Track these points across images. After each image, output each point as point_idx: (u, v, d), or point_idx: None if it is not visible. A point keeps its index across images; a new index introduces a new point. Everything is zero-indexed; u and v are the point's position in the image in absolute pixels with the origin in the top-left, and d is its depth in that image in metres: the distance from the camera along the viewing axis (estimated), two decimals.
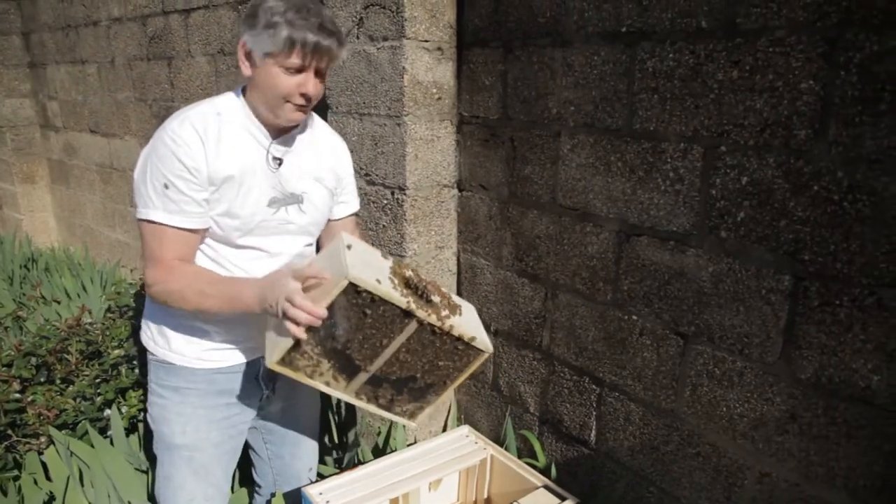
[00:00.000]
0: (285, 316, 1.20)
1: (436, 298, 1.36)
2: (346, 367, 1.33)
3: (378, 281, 1.24)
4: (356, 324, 1.26)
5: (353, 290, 1.21)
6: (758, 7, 1.34)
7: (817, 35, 1.26)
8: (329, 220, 1.64)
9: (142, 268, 1.51)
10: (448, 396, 1.46)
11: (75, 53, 4.55)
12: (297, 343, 1.25)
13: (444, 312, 1.34)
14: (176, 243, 1.36)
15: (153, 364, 1.57)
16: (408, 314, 1.28)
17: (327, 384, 1.34)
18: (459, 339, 1.37)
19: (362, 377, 1.36)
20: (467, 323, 1.41)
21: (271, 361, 1.27)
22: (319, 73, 1.36)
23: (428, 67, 2.02)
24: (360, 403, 1.41)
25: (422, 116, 2.04)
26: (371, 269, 1.27)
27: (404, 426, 2.24)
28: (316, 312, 1.18)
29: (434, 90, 2.06)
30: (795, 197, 1.33)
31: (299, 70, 1.32)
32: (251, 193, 1.41)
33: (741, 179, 1.42)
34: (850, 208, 1.25)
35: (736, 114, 1.41)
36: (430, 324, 1.32)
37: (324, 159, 1.55)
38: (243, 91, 1.45)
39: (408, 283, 1.32)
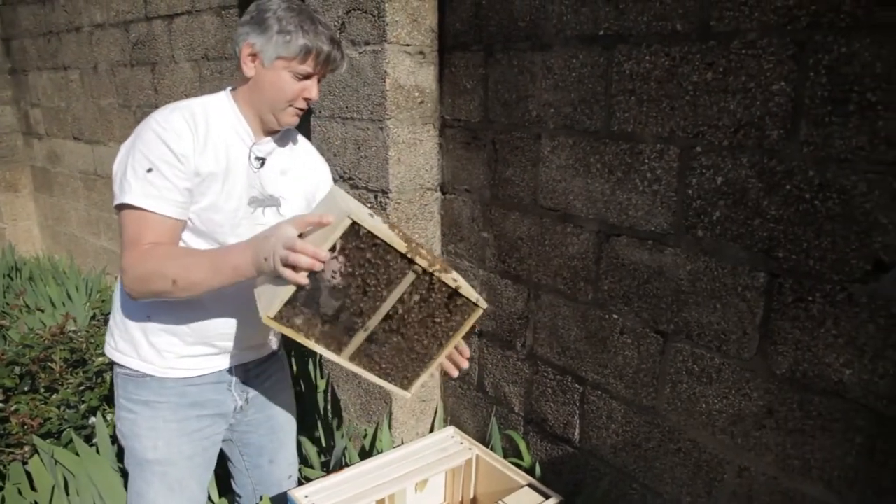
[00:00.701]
0: (285, 264, 1.12)
1: (428, 258, 1.33)
2: (344, 326, 1.28)
3: (377, 220, 1.24)
4: (356, 271, 1.21)
5: (355, 232, 1.16)
6: (730, 10, 1.37)
7: (788, 38, 1.29)
8: None
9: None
10: (438, 364, 1.42)
11: (57, 60, 4.53)
12: (295, 296, 1.18)
13: (439, 266, 1.32)
14: (155, 230, 1.31)
15: (121, 378, 1.52)
16: (409, 261, 1.24)
17: (326, 346, 1.28)
18: (456, 292, 1.34)
19: (360, 337, 1.31)
20: (457, 277, 1.39)
21: (268, 315, 1.18)
22: (319, 81, 1.44)
23: (410, 71, 2.04)
24: (356, 369, 1.36)
25: (404, 120, 2.06)
26: (367, 213, 1.27)
27: (389, 428, 2.26)
28: (318, 254, 1.11)
29: (416, 94, 2.07)
30: (769, 196, 1.36)
31: (307, 76, 1.39)
32: (235, 189, 1.42)
33: (716, 179, 1.45)
34: (822, 206, 1.28)
35: (710, 115, 1.43)
36: (429, 274, 1.28)
37: (302, 167, 1.58)
38: (232, 91, 1.47)
39: (404, 237, 1.29)
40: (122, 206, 1.32)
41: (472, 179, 2.10)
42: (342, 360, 1.32)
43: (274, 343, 1.69)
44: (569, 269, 1.84)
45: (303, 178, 1.58)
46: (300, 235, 1.17)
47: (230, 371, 1.56)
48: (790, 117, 1.30)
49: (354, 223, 1.15)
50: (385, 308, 1.29)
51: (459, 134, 2.11)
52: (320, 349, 1.28)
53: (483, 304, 1.38)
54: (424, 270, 1.27)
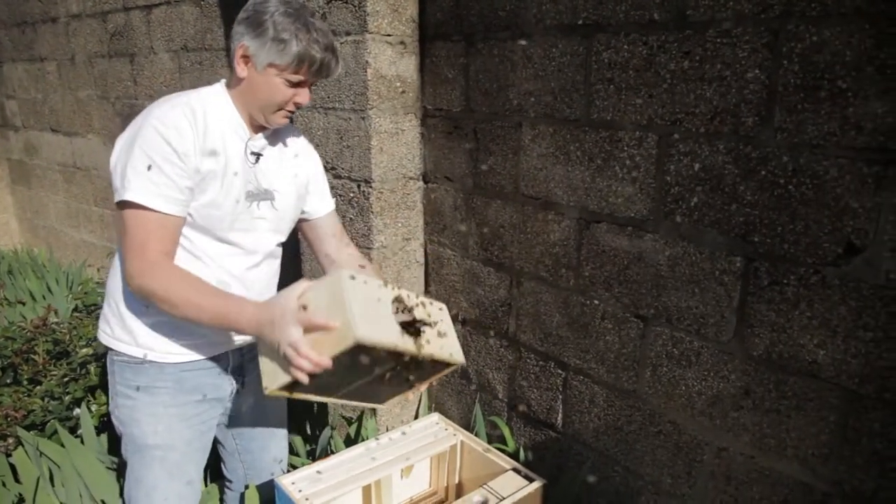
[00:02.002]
0: (288, 360, 1.21)
1: (420, 311, 1.37)
2: (333, 386, 1.35)
3: (382, 323, 1.25)
4: (355, 365, 1.27)
5: (359, 346, 1.20)
6: None
7: (762, 26, 1.31)
8: (310, 220, 1.66)
9: (117, 257, 1.47)
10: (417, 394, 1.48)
11: (33, 51, 4.47)
12: (294, 382, 1.26)
13: (431, 334, 1.35)
14: (157, 230, 1.33)
15: (118, 365, 1.53)
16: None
17: (314, 395, 1.37)
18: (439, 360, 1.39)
19: (344, 390, 1.38)
20: (446, 331, 1.43)
21: (269, 390, 1.29)
22: (311, 86, 1.44)
23: (391, 61, 2.05)
24: (333, 401, 1.43)
25: (386, 110, 2.07)
26: (372, 308, 1.25)
27: (374, 415, 2.27)
28: (321, 363, 1.17)
29: (398, 84, 2.08)
30: (745, 181, 1.39)
31: (299, 83, 1.39)
32: (234, 185, 1.43)
33: (694, 166, 1.47)
34: (795, 191, 1.31)
35: (687, 102, 1.46)
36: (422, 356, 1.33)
37: (294, 161, 1.59)
38: (227, 85, 1.47)
39: (403, 307, 1.33)
40: (124, 204, 1.33)
41: (453, 168, 2.12)
42: (323, 399, 1.38)
43: None
44: (550, 255, 1.86)
45: (295, 172, 1.59)
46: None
47: (227, 355, 1.58)
48: (764, 104, 1.33)
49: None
50: (372, 377, 1.34)
51: (441, 123, 2.12)
52: (310, 398, 1.37)
53: (461, 362, 1.43)
54: (417, 356, 1.32)
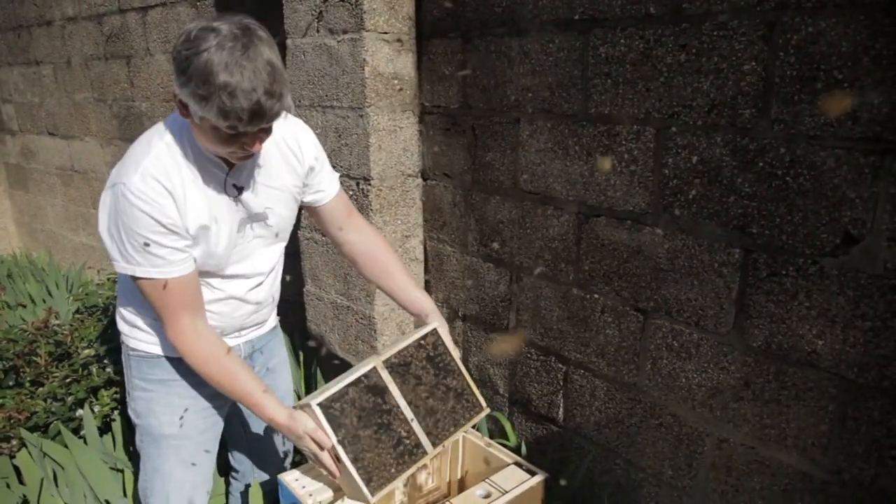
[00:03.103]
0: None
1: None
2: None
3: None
4: None
5: None
6: None
7: (757, 18, 1.32)
8: (315, 207, 1.60)
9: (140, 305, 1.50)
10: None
11: (29, 54, 4.47)
12: None
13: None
14: (176, 294, 1.34)
15: (134, 360, 1.56)
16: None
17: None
18: None
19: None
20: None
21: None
22: (260, 133, 1.25)
23: (388, 59, 2.05)
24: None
25: (384, 108, 2.07)
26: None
27: None
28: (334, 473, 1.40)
29: (395, 81, 2.09)
30: (742, 173, 1.40)
31: (244, 132, 1.21)
32: (223, 230, 1.39)
33: (692, 158, 1.48)
34: (793, 183, 1.32)
35: (685, 95, 1.47)
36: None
37: (283, 167, 1.47)
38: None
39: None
40: (133, 277, 1.34)
41: (452, 165, 2.12)
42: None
43: (273, 319, 1.75)
44: (550, 250, 1.87)
45: (286, 179, 1.49)
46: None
47: (238, 347, 1.61)
48: (761, 96, 1.34)
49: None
50: None
51: (439, 120, 2.13)
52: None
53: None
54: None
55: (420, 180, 2.25)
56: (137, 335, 1.54)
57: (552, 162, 1.79)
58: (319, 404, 1.36)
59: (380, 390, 1.44)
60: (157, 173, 1.27)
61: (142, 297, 1.48)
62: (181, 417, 1.56)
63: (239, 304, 1.54)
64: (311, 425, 1.36)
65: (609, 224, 1.69)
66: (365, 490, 1.40)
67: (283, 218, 1.52)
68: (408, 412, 1.47)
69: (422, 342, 1.52)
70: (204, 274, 1.44)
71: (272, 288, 1.63)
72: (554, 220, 1.83)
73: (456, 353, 1.55)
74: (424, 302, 1.60)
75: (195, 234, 1.34)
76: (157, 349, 1.52)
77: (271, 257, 1.56)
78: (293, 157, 1.48)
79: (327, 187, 1.58)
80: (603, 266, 1.73)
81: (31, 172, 4.99)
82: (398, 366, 1.48)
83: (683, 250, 1.54)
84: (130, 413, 1.63)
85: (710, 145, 1.44)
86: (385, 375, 1.45)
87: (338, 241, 1.66)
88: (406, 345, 1.50)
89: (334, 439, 1.37)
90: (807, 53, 1.25)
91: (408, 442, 1.47)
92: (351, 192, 2.18)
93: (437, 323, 1.54)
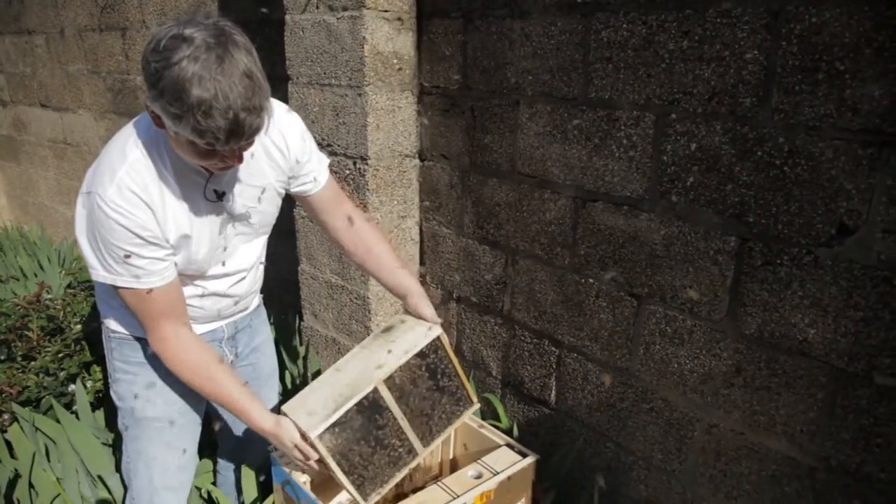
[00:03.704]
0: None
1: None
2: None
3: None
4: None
5: None
6: None
7: (761, 7, 1.31)
8: (305, 196, 1.57)
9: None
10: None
11: (20, 23, 4.40)
12: None
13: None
14: (159, 302, 1.33)
15: (115, 342, 1.55)
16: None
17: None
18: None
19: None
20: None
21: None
22: (240, 149, 1.19)
23: (388, 37, 2.03)
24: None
25: (382, 87, 2.06)
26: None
27: None
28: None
29: (395, 60, 2.07)
30: (741, 162, 1.40)
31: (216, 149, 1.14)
32: (203, 237, 1.37)
33: (690, 146, 1.48)
34: (791, 172, 1.33)
35: (685, 82, 1.46)
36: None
37: (266, 165, 1.42)
38: None
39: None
40: (114, 286, 1.32)
41: (450, 146, 2.12)
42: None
43: (256, 300, 1.74)
44: (546, 234, 1.87)
45: (269, 178, 1.44)
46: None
47: (221, 328, 1.62)
48: (762, 85, 1.34)
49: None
50: None
51: (438, 101, 2.12)
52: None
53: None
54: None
55: (417, 161, 2.25)
56: (122, 319, 1.52)
57: (551, 145, 1.79)
58: (319, 437, 1.35)
59: (378, 408, 1.42)
60: (134, 186, 1.22)
61: None
62: (164, 399, 1.55)
63: (219, 299, 1.54)
64: (297, 435, 1.37)
65: (606, 209, 1.69)
66: (359, 497, 1.42)
67: (265, 214, 1.49)
68: (403, 423, 1.46)
69: (425, 351, 1.48)
70: (184, 275, 1.43)
71: (254, 279, 1.62)
72: (551, 203, 1.83)
73: (454, 357, 1.54)
74: (409, 284, 1.56)
75: (175, 243, 1.32)
76: (137, 331, 1.50)
77: (253, 253, 1.54)
78: (277, 153, 1.42)
79: (317, 177, 1.54)
80: (599, 251, 1.74)
81: (23, 144, 4.94)
82: (399, 381, 1.45)
83: (679, 237, 1.55)
84: (113, 395, 1.61)
85: (710, 133, 1.44)
86: (386, 395, 1.42)
87: (326, 227, 1.64)
88: (409, 359, 1.45)
89: (335, 466, 1.38)
90: (809, 43, 1.25)
91: (401, 449, 1.47)
92: (347, 172, 2.17)
93: (439, 330, 1.50)
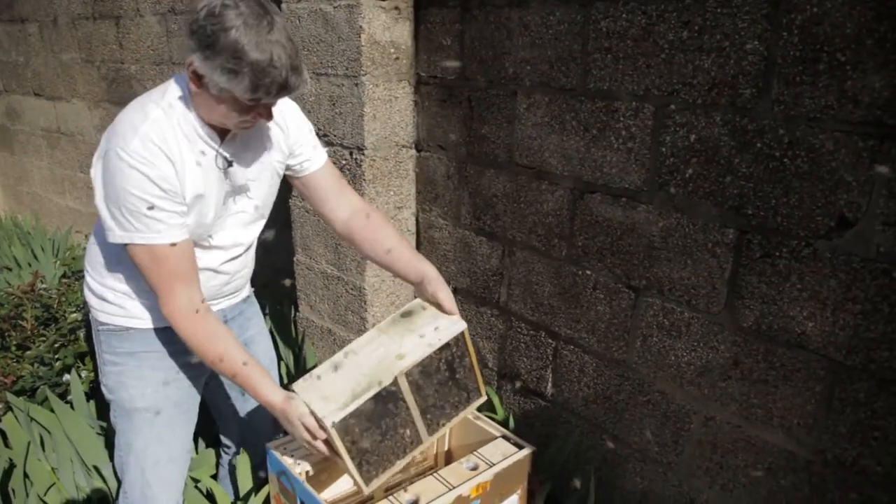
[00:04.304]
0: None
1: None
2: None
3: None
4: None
5: None
6: None
7: None
8: (300, 177, 1.58)
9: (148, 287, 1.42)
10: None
11: (13, 11, 4.35)
12: None
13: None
14: (173, 262, 1.33)
15: (104, 334, 1.54)
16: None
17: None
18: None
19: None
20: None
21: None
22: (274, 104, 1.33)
23: (385, 27, 2.02)
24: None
25: (379, 76, 2.04)
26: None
27: None
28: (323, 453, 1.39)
29: (392, 50, 2.05)
30: (740, 154, 1.39)
31: (260, 103, 1.26)
32: (211, 201, 1.39)
33: (689, 137, 1.47)
34: (790, 164, 1.32)
35: (685, 73, 1.45)
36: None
37: (270, 140, 1.49)
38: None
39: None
40: (129, 244, 1.32)
41: (447, 137, 2.10)
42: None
43: (247, 289, 1.73)
44: (543, 225, 1.86)
45: (271, 153, 1.49)
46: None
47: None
48: (762, 76, 1.33)
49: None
50: None
51: (435, 91, 2.10)
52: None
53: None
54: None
55: (414, 151, 2.23)
56: (106, 308, 1.51)
57: (549, 136, 1.78)
58: (335, 424, 1.32)
59: (394, 398, 1.40)
60: (157, 139, 1.27)
61: (111, 268, 1.47)
62: (154, 390, 1.54)
63: (212, 275, 1.52)
64: (306, 412, 1.35)
65: (604, 201, 1.68)
66: (363, 484, 1.41)
67: (263, 191, 1.51)
68: (415, 412, 1.44)
69: (449, 344, 1.45)
70: (194, 238, 1.42)
71: (246, 259, 1.62)
72: (548, 195, 1.82)
73: (474, 353, 1.51)
74: (426, 268, 1.54)
75: (190, 202, 1.34)
76: (125, 321, 1.49)
77: (250, 234, 1.55)
78: (278, 130, 1.49)
79: (313, 155, 1.56)
80: (596, 242, 1.73)
81: (17, 134, 4.90)
82: (418, 373, 1.43)
83: (678, 229, 1.54)
84: (103, 389, 1.60)
85: (709, 124, 1.43)
86: (404, 385, 1.40)
87: (330, 218, 1.62)
88: (432, 352, 1.42)
89: (345, 453, 1.36)
90: (810, 34, 1.24)
91: (408, 436, 1.46)
92: (344, 162, 2.16)
93: (464, 324, 1.48)
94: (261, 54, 1.17)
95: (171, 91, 1.34)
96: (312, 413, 1.35)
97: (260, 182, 1.48)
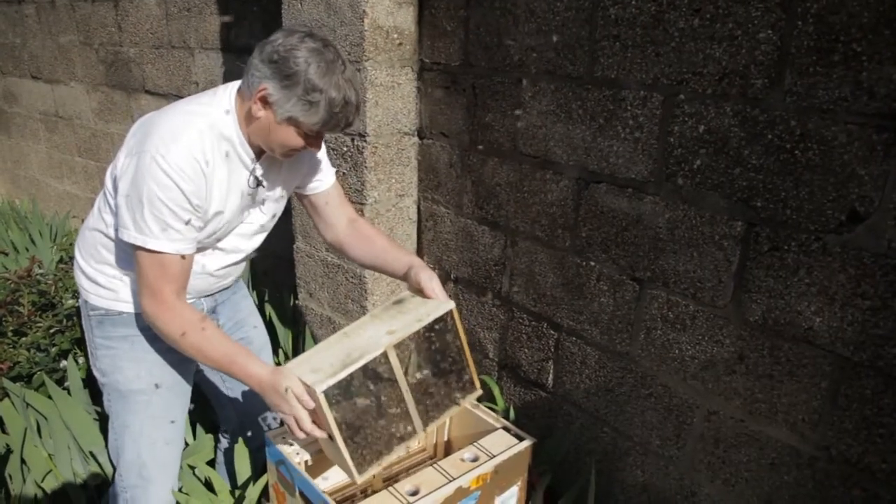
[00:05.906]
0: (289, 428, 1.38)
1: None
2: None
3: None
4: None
5: None
6: None
7: None
8: (309, 195, 1.63)
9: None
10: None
11: None
12: None
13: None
14: (176, 271, 1.35)
15: (95, 319, 1.54)
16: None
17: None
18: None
19: None
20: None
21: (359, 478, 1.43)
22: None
23: (389, 12, 1.98)
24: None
25: (382, 62, 2.01)
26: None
27: None
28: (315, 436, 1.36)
29: (395, 35, 2.02)
30: (750, 145, 1.37)
31: (318, 134, 1.35)
32: (228, 215, 1.43)
33: (699, 127, 1.45)
34: (802, 157, 1.29)
35: (695, 62, 1.42)
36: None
37: (295, 164, 1.53)
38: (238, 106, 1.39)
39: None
40: (142, 248, 1.32)
41: (450, 124, 2.07)
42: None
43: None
44: (547, 215, 1.84)
45: (293, 176, 1.55)
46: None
47: (199, 301, 1.61)
48: (775, 66, 1.30)
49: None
50: None
51: (438, 78, 2.07)
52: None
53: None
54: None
55: (416, 139, 2.20)
56: (99, 292, 1.51)
57: (554, 125, 1.75)
58: (325, 392, 1.30)
59: (384, 377, 1.39)
60: (198, 154, 1.30)
61: (104, 253, 1.47)
62: (148, 371, 1.54)
63: (205, 277, 1.54)
64: (295, 381, 1.32)
65: (609, 191, 1.66)
66: (354, 470, 1.39)
67: (275, 204, 1.57)
68: (407, 395, 1.43)
69: (436, 326, 1.45)
70: (203, 249, 1.46)
71: (242, 264, 1.66)
72: (553, 184, 1.80)
73: (464, 336, 1.52)
74: (411, 259, 1.55)
75: (210, 218, 1.38)
76: (118, 306, 1.50)
77: (253, 244, 1.59)
78: (306, 156, 1.54)
79: (325, 178, 1.62)
80: (601, 233, 1.71)
81: (14, 117, 4.86)
82: (407, 350, 1.42)
83: (684, 221, 1.52)
84: (96, 373, 1.60)
85: (719, 115, 1.41)
86: (394, 360, 1.39)
87: (325, 230, 1.67)
88: (421, 328, 1.42)
89: (334, 425, 1.34)
90: (826, 23, 1.21)
91: (401, 424, 1.45)
92: (346, 149, 2.13)
93: (452, 304, 1.48)
94: (337, 92, 1.26)
95: (217, 103, 1.37)
96: (302, 383, 1.33)
97: (276, 201, 1.55)
